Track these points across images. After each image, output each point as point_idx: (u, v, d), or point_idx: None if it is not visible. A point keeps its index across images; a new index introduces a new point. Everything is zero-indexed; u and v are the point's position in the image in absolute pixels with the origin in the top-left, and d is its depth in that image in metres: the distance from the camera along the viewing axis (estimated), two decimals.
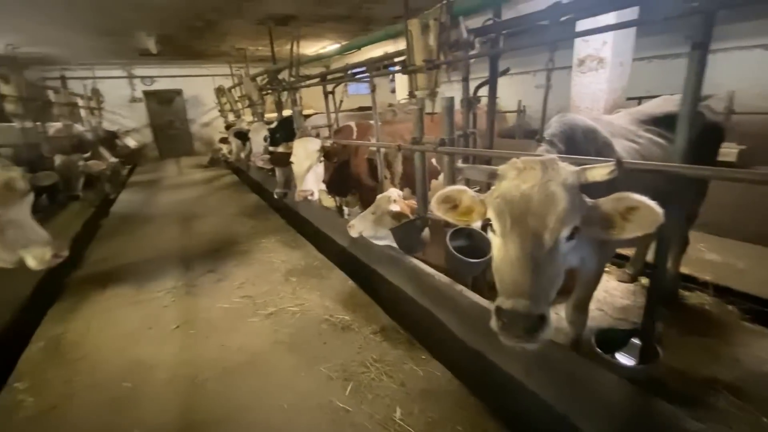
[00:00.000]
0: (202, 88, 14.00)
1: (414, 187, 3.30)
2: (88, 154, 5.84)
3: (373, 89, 3.51)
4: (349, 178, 4.33)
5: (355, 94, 14.38)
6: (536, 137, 1.94)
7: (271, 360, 2.67)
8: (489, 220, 1.52)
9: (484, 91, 2.75)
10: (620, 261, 3.52)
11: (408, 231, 3.00)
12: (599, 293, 3.07)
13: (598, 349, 1.81)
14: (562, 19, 1.96)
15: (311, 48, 10.58)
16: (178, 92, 14.39)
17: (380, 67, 3.61)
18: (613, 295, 3.17)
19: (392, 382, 2.35)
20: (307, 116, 6.78)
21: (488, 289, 2.73)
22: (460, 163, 2.03)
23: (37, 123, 5.68)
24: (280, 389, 2.38)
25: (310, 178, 3.98)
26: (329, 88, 4.27)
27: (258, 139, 6.27)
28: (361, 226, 3.20)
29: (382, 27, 7.62)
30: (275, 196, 5.10)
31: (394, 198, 3.16)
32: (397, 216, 3.09)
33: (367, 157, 4.12)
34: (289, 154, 4.17)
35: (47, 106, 7.10)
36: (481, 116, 3.03)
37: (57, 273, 3.68)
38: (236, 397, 2.34)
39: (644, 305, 1.85)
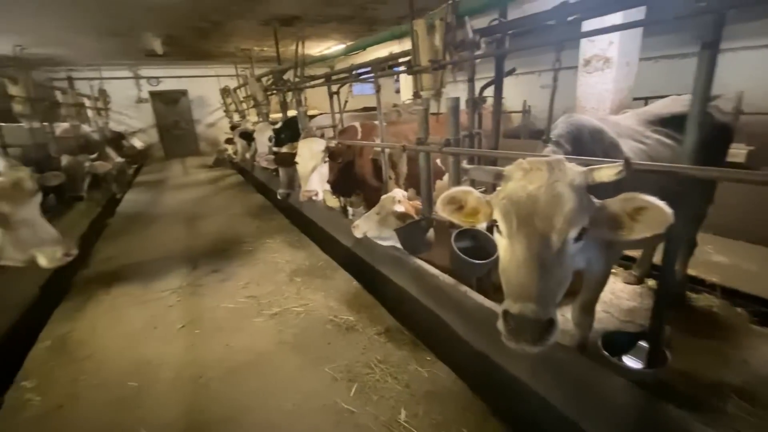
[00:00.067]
0: (207, 89, 14.09)
1: (418, 188, 3.29)
2: (95, 155, 5.88)
3: (378, 90, 3.50)
4: (354, 179, 4.33)
5: (360, 94, 14.39)
6: (542, 138, 1.92)
7: (275, 360, 2.67)
8: (495, 221, 1.51)
9: (489, 92, 2.74)
10: (627, 263, 3.49)
11: (412, 232, 2.99)
12: (605, 295, 3.04)
13: (605, 352, 1.79)
14: (569, 19, 1.95)
15: (316, 48, 10.60)
16: (184, 93, 14.47)
17: (385, 67, 3.60)
18: (620, 297, 3.14)
19: (397, 384, 2.35)
20: (312, 117, 6.79)
21: (493, 291, 2.71)
22: (465, 164, 2.02)
23: (45, 123, 5.73)
24: (284, 390, 2.38)
25: (315, 179, 3.98)
26: (334, 88, 4.27)
27: (263, 140, 6.29)
28: (365, 226, 3.20)
29: (386, 27, 7.64)
30: (278, 197, 5.11)
31: (399, 198, 3.15)
32: (402, 217, 3.08)
33: (372, 157, 4.12)
34: (293, 155, 4.17)
35: (55, 106, 7.16)
36: (487, 116, 3.03)
37: (64, 272, 3.71)
38: (241, 397, 2.34)
39: (652, 308, 1.83)
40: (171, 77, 13.84)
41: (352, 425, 2.09)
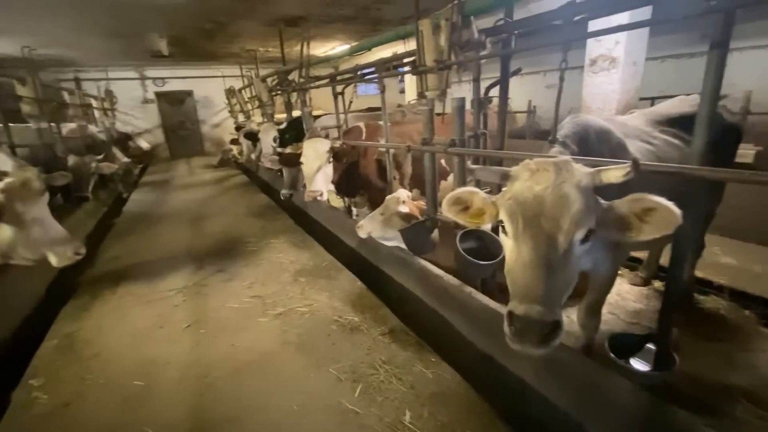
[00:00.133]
0: (212, 89, 14.16)
1: (423, 188, 3.29)
2: (101, 156, 5.93)
3: (383, 90, 3.50)
4: (358, 179, 4.33)
5: (364, 94, 14.41)
6: (549, 138, 1.91)
7: (280, 360, 2.68)
8: (500, 221, 1.50)
9: (494, 92, 2.73)
10: (633, 264, 3.47)
11: (417, 232, 2.99)
12: (611, 297, 3.02)
13: (612, 354, 1.78)
14: (576, 18, 1.94)
15: (320, 49, 10.62)
16: (189, 93, 14.56)
17: (390, 67, 3.60)
18: (626, 298, 3.12)
19: (401, 385, 2.34)
20: (317, 117, 6.81)
21: (498, 292, 2.70)
22: (470, 164, 2.02)
23: (52, 124, 5.78)
24: (289, 390, 2.38)
25: (320, 179, 3.99)
26: (338, 89, 4.28)
27: (267, 140, 6.31)
28: (369, 226, 3.20)
29: (390, 28, 7.63)
30: (282, 197, 5.13)
31: (403, 199, 3.15)
32: (406, 217, 3.08)
33: (376, 157, 4.12)
34: (298, 155, 4.18)
35: (62, 107, 7.22)
36: (492, 117, 3.01)
37: (70, 271, 3.74)
38: (246, 397, 2.35)
39: (659, 310, 1.81)
40: (176, 78, 13.94)
41: (356, 426, 2.08)
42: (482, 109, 2.77)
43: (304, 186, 4.34)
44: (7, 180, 2.41)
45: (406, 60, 3.32)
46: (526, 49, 2.31)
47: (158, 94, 14.03)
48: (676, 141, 2.26)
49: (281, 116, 7.60)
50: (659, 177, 1.55)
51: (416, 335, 2.82)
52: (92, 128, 7.80)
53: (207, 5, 6.20)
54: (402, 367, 2.50)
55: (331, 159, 4.02)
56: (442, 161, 4.12)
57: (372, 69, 3.74)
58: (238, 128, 9.30)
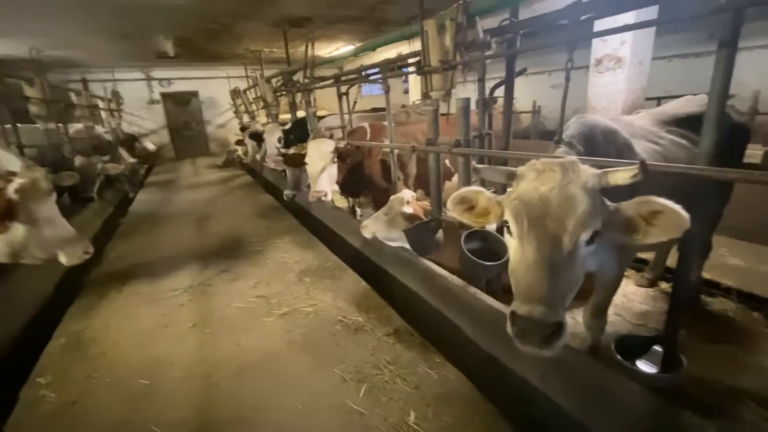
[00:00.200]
0: (217, 90, 14.24)
1: (427, 189, 3.29)
2: (107, 157, 5.98)
3: (387, 90, 3.50)
4: (363, 179, 4.33)
5: (368, 95, 14.42)
6: (554, 138, 1.90)
7: (285, 360, 2.69)
8: (505, 221, 1.50)
9: (499, 92, 2.72)
10: (639, 265, 3.44)
11: (421, 232, 2.99)
12: (617, 298, 3.00)
13: (618, 356, 1.77)
14: (582, 18, 1.93)
15: (325, 49, 10.64)
16: (195, 94, 14.64)
17: (394, 68, 3.60)
18: (632, 300, 3.10)
19: (406, 385, 2.34)
20: (321, 117, 6.82)
21: (503, 292, 2.69)
22: (475, 164, 2.02)
23: (59, 125, 5.84)
24: (293, 389, 2.39)
25: (324, 179, 4.00)
26: (343, 89, 4.28)
27: (272, 141, 6.34)
28: (373, 226, 3.20)
29: (395, 28, 7.64)
30: (285, 198, 5.14)
31: (408, 199, 3.14)
32: (411, 218, 3.07)
33: (381, 158, 4.12)
34: (302, 155, 4.19)
35: (69, 108, 7.29)
36: (497, 117, 3.01)
37: (77, 270, 3.77)
38: (250, 397, 2.35)
39: (667, 312, 1.80)
40: (182, 79, 14.02)
41: (361, 426, 2.09)
42: (487, 110, 2.76)
43: (309, 186, 4.35)
44: (20, 180, 2.45)
45: (410, 60, 3.32)
46: (531, 49, 2.31)
47: (164, 95, 14.12)
48: (683, 141, 2.24)
49: (286, 117, 7.62)
50: (666, 177, 1.54)
51: (421, 336, 2.82)
52: (99, 129, 7.87)
53: (212, 6, 6.24)
54: (406, 367, 2.50)
55: (336, 159, 4.03)
56: (446, 161, 4.11)
57: (376, 69, 3.75)
58: (243, 129, 9.34)
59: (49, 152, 5.48)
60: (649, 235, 1.35)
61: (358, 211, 5.01)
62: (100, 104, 9.74)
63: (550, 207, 1.35)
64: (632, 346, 1.85)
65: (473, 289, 2.54)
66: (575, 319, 2.56)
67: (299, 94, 6.02)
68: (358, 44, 9.00)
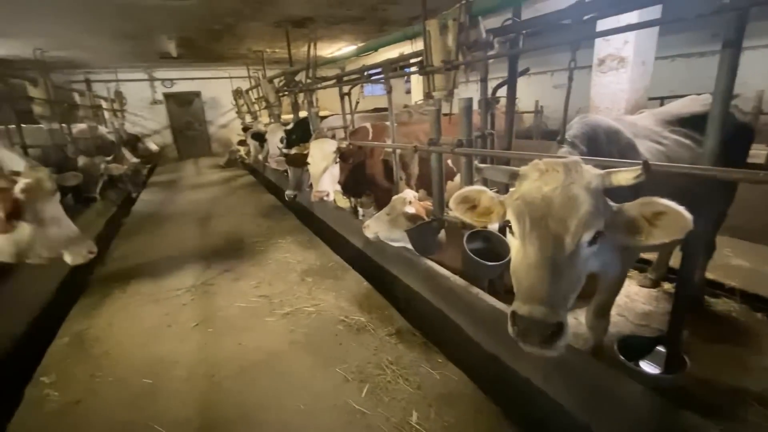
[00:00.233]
0: (220, 90, 14.28)
1: (430, 189, 3.28)
2: (110, 157, 6.01)
3: (389, 90, 3.50)
4: (365, 179, 4.34)
5: (370, 95, 14.43)
6: (557, 138, 1.90)
7: (287, 360, 2.69)
8: (508, 221, 1.50)
9: (501, 92, 2.71)
10: (642, 265, 3.43)
11: (423, 233, 2.98)
12: (620, 298, 2.99)
13: (621, 357, 1.76)
14: (585, 18, 1.92)
15: (327, 50, 10.65)
16: (197, 94, 14.69)
17: (396, 68, 3.60)
18: (635, 300, 3.09)
19: (408, 385, 2.34)
20: (323, 118, 6.83)
21: (505, 293, 2.69)
22: (478, 164, 2.02)
23: (63, 125, 5.86)
24: (296, 389, 2.39)
25: (326, 179, 4.00)
26: (345, 89, 4.29)
27: (275, 141, 6.35)
28: (376, 226, 3.20)
29: (397, 28, 7.64)
30: (286, 198, 5.15)
31: (410, 199, 3.14)
32: (413, 218, 3.07)
33: (383, 158, 4.12)
34: (305, 155, 4.20)
35: (73, 108, 7.32)
36: (499, 117, 3.00)
37: (81, 270, 3.79)
38: (253, 396, 2.36)
39: (670, 312, 1.79)
40: (185, 79, 14.07)
41: (363, 426, 2.09)
42: (490, 110, 2.76)
43: (311, 186, 4.36)
44: (26, 180, 2.47)
45: (412, 60, 3.32)
46: (534, 48, 2.30)
47: (167, 95, 14.17)
48: (687, 141, 2.23)
49: (288, 117, 7.64)
50: (670, 177, 1.53)
51: (423, 336, 2.82)
52: (102, 129, 7.90)
53: (215, 7, 6.25)
54: (409, 367, 2.50)
55: (338, 159, 4.03)
56: (449, 161, 4.11)
57: (379, 70, 3.75)
58: (245, 129, 9.37)
59: (53, 152, 5.51)
60: (652, 236, 1.34)
61: (360, 211, 5.01)
62: (104, 104, 9.78)
63: (552, 207, 1.35)
64: (635, 346, 1.85)
65: (475, 290, 2.54)
66: (578, 320, 2.55)
67: (301, 95, 6.03)
68: (361, 44, 9.01)
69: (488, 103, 2.70)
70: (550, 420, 1.85)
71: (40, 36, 7.21)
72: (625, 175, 1.35)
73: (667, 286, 3.23)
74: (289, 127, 6.39)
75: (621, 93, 4.99)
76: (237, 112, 11.71)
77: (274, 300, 3.51)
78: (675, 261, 3.20)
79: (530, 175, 1.46)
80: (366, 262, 3.77)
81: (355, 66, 4.43)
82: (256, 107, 9.88)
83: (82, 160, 5.50)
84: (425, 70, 2.72)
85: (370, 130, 4.45)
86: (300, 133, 5.75)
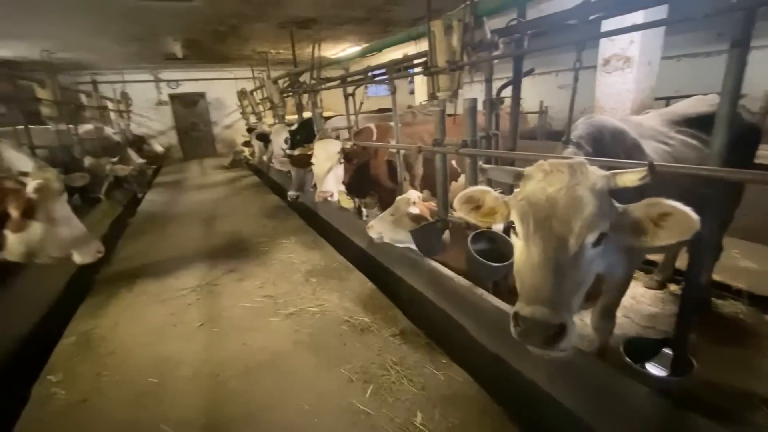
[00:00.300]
0: (224, 91, 14.35)
1: (434, 189, 3.28)
2: (116, 159, 6.05)
3: (394, 91, 3.51)
4: (369, 180, 4.34)
5: (374, 95, 14.44)
6: (562, 139, 1.89)
7: (292, 360, 2.70)
8: (512, 222, 1.49)
9: (506, 92, 2.71)
10: (648, 267, 3.41)
11: (428, 233, 2.98)
12: (626, 300, 2.96)
13: (627, 358, 1.75)
14: (591, 18, 1.92)
15: (331, 50, 10.68)
16: (202, 95, 14.76)
17: (400, 69, 3.60)
18: (641, 302, 3.07)
19: (413, 386, 2.34)
20: (328, 118, 6.85)
21: (509, 294, 2.68)
22: (482, 164, 2.02)
23: (70, 126, 5.92)
24: (301, 389, 2.40)
25: (330, 180, 4.01)
26: (349, 90, 4.29)
27: (279, 141, 6.37)
28: (380, 227, 3.20)
29: (401, 29, 7.65)
30: (288, 198, 5.17)
31: (414, 200, 3.14)
32: (416, 218, 3.07)
33: (387, 158, 4.12)
34: (309, 156, 4.21)
35: (80, 109, 7.39)
36: (504, 117, 3.00)
37: (87, 270, 3.82)
38: (258, 396, 2.37)
39: (677, 314, 1.78)
40: (190, 80, 14.14)
41: (367, 426, 2.09)
42: (494, 110, 2.75)
43: (314, 187, 4.37)
44: (38, 180, 2.52)
45: (416, 61, 3.32)
46: (539, 49, 2.30)
47: (172, 96, 14.25)
48: (693, 141, 2.22)
49: (292, 118, 7.67)
50: (676, 178, 1.52)
51: (427, 337, 2.82)
52: (108, 130, 7.97)
53: (221, 9, 6.29)
54: (413, 368, 2.50)
55: (342, 160, 4.04)
56: (453, 162, 4.10)
57: (383, 70, 3.75)
58: (249, 130, 9.41)
59: (60, 153, 5.56)
60: (658, 238, 1.33)
61: (365, 211, 5.01)
62: (110, 105, 9.87)
63: (557, 208, 1.35)
64: (641, 348, 1.83)
65: (480, 290, 2.53)
66: (583, 321, 2.54)
67: (306, 95, 6.05)
68: (365, 45, 9.02)
69: (493, 104, 2.70)
70: (555, 422, 1.84)
71: (48, 38, 7.28)
72: (631, 177, 1.34)
73: (673, 287, 3.20)
74: (294, 127, 6.42)
75: (626, 93, 4.96)
76: (241, 113, 11.78)
77: (279, 300, 3.53)
78: (681, 262, 3.18)
79: (535, 175, 1.45)
80: (370, 262, 3.77)
81: (360, 67, 4.43)
82: (261, 108, 9.92)
83: (88, 161, 5.55)
84: (430, 70, 2.72)
85: (374, 131, 4.45)
86: (304, 134, 5.76)
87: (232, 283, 3.98)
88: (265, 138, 7.65)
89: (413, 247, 3.08)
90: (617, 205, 1.41)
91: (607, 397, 1.70)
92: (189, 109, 14.74)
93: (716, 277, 2.98)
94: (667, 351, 1.79)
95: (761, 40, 6.43)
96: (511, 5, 2.48)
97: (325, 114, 6.93)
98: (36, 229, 2.53)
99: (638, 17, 3.04)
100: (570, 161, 1.43)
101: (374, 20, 7.69)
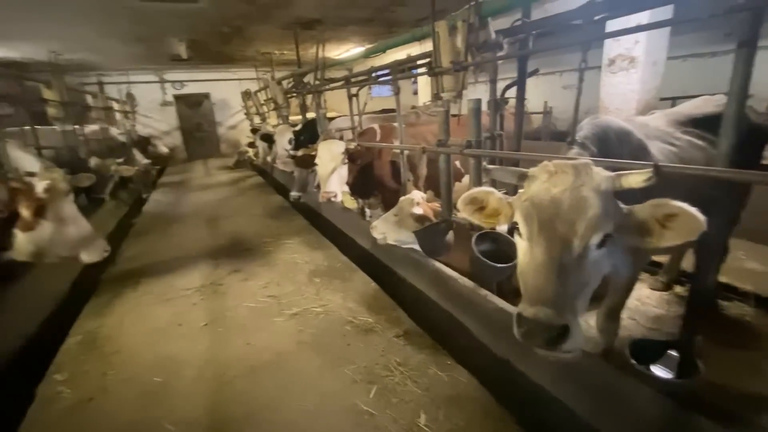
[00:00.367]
0: (229, 92, 14.40)
1: (438, 190, 3.28)
2: (121, 159, 6.09)
3: (397, 92, 3.51)
4: (373, 180, 4.34)
5: (378, 96, 14.45)
6: (567, 140, 1.89)
7: (296, 360, 2.70)
8: (516, 223, 1.49)
9: (510, 92, 2.70)
10: (653, 268, 3.38)
11: (431, 234, 2.98)
12: (631, 301, 2.95)
13: (633, 361, 1.74)
14: (596, 18, 1.91)
15: (335, 51, 10.69)
16: (207, 96, 14.82)
17: (404, 69, 3.60)
18: (646, 303, 3.05)
19: (416, 387, 2.33)
20: (331, 119, 6.86)
21: (513, 295, 2.67)
22: (486, 165, 2.01)
23: (76, 126, 5.96)
24: (305, 390, 2.40)
25: (334, 180, 4.02)
26: (353, 90, 4.30)
27: (283, 142, 6.39)
28: (383, 227, 3.20)
29: (405, 30, 7.65)
30: (291, 199, 5.17)
31: (417, 201, 3.14)
32: (420, 219, 3.07)
33: (391, 159, 4.12)
34: (313, 157, 4.22)
35: (86, 110, 7.44)
36: (508, 118, 2.99)
37: (93, 269, 3.85)
38: (262, 396, 2.37)
39: (683, 316, 1.77)
40: (194, 81, 14.21)
41: (371, 427, 2.09)
42: (499, 110, 2.75)
43: (318, 187, 4.38)
44: (47, 180, 2.57)
45: (420, 62, 3.32)
46: (543, 49, 2.29)
47: (177, 97, 14.32)
48: (700, 142, 2.20)
49: (296, 118, 7.68)
50: (683, 179, 1.51)
51: (431, 338, 2.81)
52: (113, 130, 8.03)
53: (225, 10, 6.32)
54: (417, 369, 2.50)
55: (346, 160, 4.05)
56: (457, 163, 4.09)
57: (386, 71, 3.75)
58: (254, 130, 9.44)
59: (66, 153, 5.60)
60: (663, 239, 1.32)
61: (368, 212, 5.02)
62: (115, 106, 9.94)
63: (561, 209, 1.34)
64: (647, 350, 1.82)
65: (484, 291, 2.53)
66: (588, 323, 2.52)
67: (310, 96, 6.06)
68: (369, 46, 9.04)
69: (497, 104, 2.69)
70: (559, 423, 1.83)
71: (56, 39, 7.34)
72: (636, 178, 1.33)
73: (679, 289, 3.18)
74: (298, 128, 6.43)
75: (631, 93, 4.92)
76: (246, 114, 11.81)
77: (283, 300, 3.53)
78: (687, 264, 3.16)
79: (539, 176, 1.45)
80: (373, 263, 3.78)
81: (363, 67, 4.44)
82: (265, 109, 9.95)
83: (93, 161, 5.59)
84: (434, 71, 2.72)
85: (378, 132, 4.45)
86: (308, 135, 5.77)
87: (236, 283, 3.99)
88: (269, 138, 7.66)
89: (417, 247, 3.08)
90: (622, 206, 1.41)
91: (611, 400, 1.69)
92: (193, 110, 14.81)
93: (722, 278, 2.96)
94: (673, 353, 1.78)
95: (765, 41, 6.37)
96: (515, 5, 2.48)
97: (329, 115, 6.94)
98: (45, 228, 2.59)
99: (643, 17, 3.03)
100: (575, 162, 1.43)
101: (378, 21, 7.70)
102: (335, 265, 4.23)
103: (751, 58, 1.37)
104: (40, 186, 2.54)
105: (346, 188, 4.25)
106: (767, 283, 2.99)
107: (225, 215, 6.67)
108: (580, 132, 1.88)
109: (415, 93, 13.42)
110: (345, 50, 10.65)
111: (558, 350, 1.25)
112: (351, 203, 5.14)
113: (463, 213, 1.71)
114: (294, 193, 5.09)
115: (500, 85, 2.69)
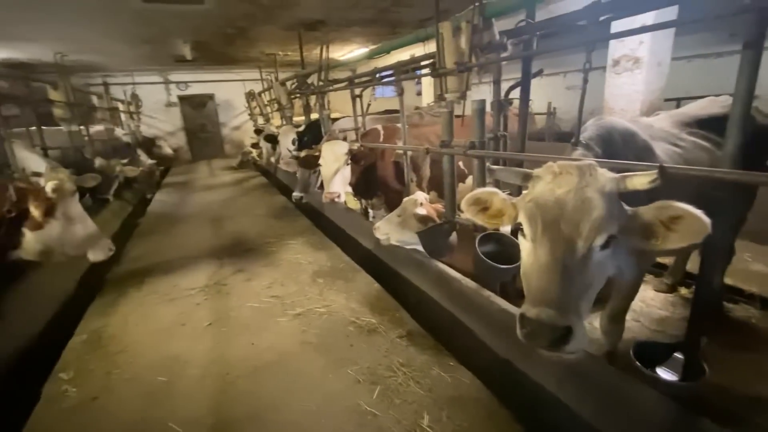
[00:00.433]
0: (233, 93, 14.46)
1: (441, 191, 3.28)
2: (126, 160, 6.14)
3: (401, 92, 3.51)
4: (376, 181, 4.35)
5: (381, 97, 14.46)
6: (572, 141, 1.88)
7: (299, 360, 2.71)
8: (519, 223, 1.49)
9: (514, 93, 2.70)
10: (658, 270, 3.37)
11: (435, 235, 2.98)
12: (635, 303, 2.94)
13: (637, 363, 1.73)
14: (600, 19, 1.90)
15: (339, 52, 10.72)
16: (211, 97, 14.90)
17: (408, 70, 3.61)
18: (651, 305, 3.04)
19: (420, 388, 2.33)
20: (335, 120, 6.88)
21: (517, 296, 2.67)
22: (491, 166, 2.01)
23: (82, 127, 6.01)
24: (308, 390, 2.40)
25: (338, 181, 4.03)
26: (357, 91, 4.31)
27: (286, 143, 6.41)
28: (386, 228, 3.20)
29: (409, 30, 7.65)
30: (293, 200, 5.18)
31: (420, 201, 3.14)
32: (424, 220, 3.07)
33: (394, 160, 4.13)
34: (316, 157, 4.23)
35: (91, 110, 7.50)
36: (511, 118, 2.99)
37: (97, 269, 3.87)
38: (265, 396, 2.38)
39: (688, 318, 1.76)
40: (199, 82, 14.27)
41: (374, 428, 2.09)
42: (502, 111, 2.75)
43: (321, 188, 4.39)
44: (55, 180, 2.60)
45: (423, 63, 3.33)
46: (548, 50, 2.28)
47: (181, 98, 14.40)
48: (705, 143, 2.19)
49: (300, 119, 7.71)
50: (688, 180, 1.51)
51: (434, 338, 2.81)
52: (118, 131, 8.08)
53: (229, 11, 6.35)
54: (420, 370, 2.49)
55: (349, 161, 4.05)
56: (460, 163, 4.09)
57: (390, 72, 3.76)
58: (258, 131, 9.48)
59: (72, 154, 5.64)
60: (668, 241, 1.32)
61: (371, 212, 5.02)
62: (120, 107, 10.00)
63: (565, 210, 1.34)
64: (652, 352, 1.81)
65: (487, 292, 2.52)
66: (592, 324, 2.52)
67: (313, 97, 6.08)
68: (372, 47, 9.05)
69: (501, 105, 2.69)
70: (563, 425, 1.83)
71: (62, 40, 7.40)
72: (641, 180, 1.33)
73: (684, 291, 3.16)
74: (301, 129, 6.45)
75: (636, 94, 4.90)
76: (249, 115, 11.87)
77: (286, 300, 3.54)
78: (692, 266, 3.14)
79: (543, 177, 1.45)
80: (376, 263, 3.78)
81: (367, 68, 4.45)
82: (269, 109, 9.99)
83: (98, 162, 5.63)
84: (438, 72, 2.72)
85: (382, 132, 4.46)
86: (312, 135, 5.79)
87: (240, 283, 4.00)
88: (273, 139, 7.70)
89: (420, 248, 3.08)
90: (627, 207, 1.40)
91: (616, 402, 1.68)
92: (198, 111, 14.89)
93: (728, 280, 2.94)
94: (678, 355, 1.77)
95: None
96: (520, 6, 2.48)
97: (333, 115, 6.96)
98: (53, 227, 2.66)
99: (648, 18, 3.02)
100: (579, 163, 1.42)
101: (382, 22, 7.71)
102: (338, 265, 4.24)
103: (757, 58, 1.36)
104: (48, 186, 2.59)
105: (350, 189, 4.26)
106: None
107: (229, 215, 6.69)
108: (585, 133, 1.88)
109: (419, 94, 13.42)
110: (349, 51, 10.67)
111: (561, 351, 1.25)
112: (354, 204, 5.15)
113: (467, 214, 1.71)
114: (296, 194, 5.10)
115: (504, 86, 2.69)
